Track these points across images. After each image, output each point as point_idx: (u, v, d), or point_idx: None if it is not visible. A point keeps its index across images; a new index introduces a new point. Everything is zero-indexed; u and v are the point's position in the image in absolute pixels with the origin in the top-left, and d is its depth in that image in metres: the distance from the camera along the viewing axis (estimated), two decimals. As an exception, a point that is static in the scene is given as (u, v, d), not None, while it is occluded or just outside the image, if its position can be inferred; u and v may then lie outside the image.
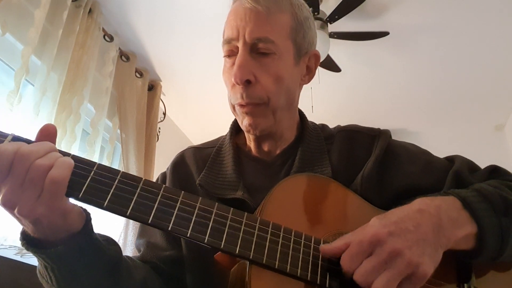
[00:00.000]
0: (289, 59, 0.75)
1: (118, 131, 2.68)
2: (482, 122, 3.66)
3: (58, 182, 0.49)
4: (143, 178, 0.56)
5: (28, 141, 0.53)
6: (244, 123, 0.75)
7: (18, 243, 1.69)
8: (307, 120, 0.86)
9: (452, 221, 0.60)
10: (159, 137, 3.23)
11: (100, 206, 0.53)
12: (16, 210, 0.49)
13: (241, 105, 0.74)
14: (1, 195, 0.49)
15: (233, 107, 0.77)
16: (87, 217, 0.58)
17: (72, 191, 0.52)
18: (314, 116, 0.88)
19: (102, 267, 0.61)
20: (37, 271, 0.61)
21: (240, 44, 0.72)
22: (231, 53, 0.75)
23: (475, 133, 3.71)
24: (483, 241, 0.62)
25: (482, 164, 0.81)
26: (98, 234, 0.62)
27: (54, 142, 0.55)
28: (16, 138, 0.53)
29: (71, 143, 2.11)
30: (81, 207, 0.58)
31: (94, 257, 0.59)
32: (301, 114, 0.87)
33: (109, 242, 0.64)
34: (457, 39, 2.68)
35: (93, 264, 0.59)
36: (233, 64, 0.73)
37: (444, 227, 0.59)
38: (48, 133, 0.55)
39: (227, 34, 0.75)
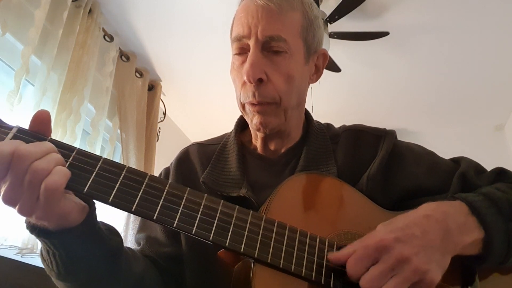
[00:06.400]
0: (300, 58, 0.75)
1: (118, 131, 2.67)
2: (482, 122, 3.66)
3: (53, 189, 0.48)
4: (149, 174, 0.56)
5: (33, 135, 0.53)
6: (254, 121, 0.74)
7: (18, 243, 1.70)
8: (312, 119, 0.86)
9: (459, 226, 0.60)
10: (159, 137, 3.23)
11: (105, 201, 0.52)
12: (17, 207, 0.49)
13: (252, 104, 0.73)
14: (2, 193, 0.49)
15: (243, 106, 0.76)
16: (90, 207, 0.57)
17: (77, 185, 0.51)
18: (314, 116, 0.87)
19: (102, 257, 0.60)
20: (40, 254, 0.61)
21: (252, 42, 0.71)
22: (241, 51, 0.74)
23: (475, 133, 3.71)
24: (490, 246, 0.62)
25: (482, 164, 0.80)
26: (101, 222, 0.62)
27: (49, 129, 0.54)
28: (21, 131, 0.52)
29: (71, 143, 2.09)
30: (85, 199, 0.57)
31: (94, 247, 0.59)
32: (307, 113, 0.86)
33: (112, 232, 0.64)
34: (457, 39, 2.68)
35: (93, 254, 0.59)
36: (243, 62, 0.72)
37: (451, 232, 0.58)
38: (41, 121, 0.54)
39: (237, 31, 0.73)
